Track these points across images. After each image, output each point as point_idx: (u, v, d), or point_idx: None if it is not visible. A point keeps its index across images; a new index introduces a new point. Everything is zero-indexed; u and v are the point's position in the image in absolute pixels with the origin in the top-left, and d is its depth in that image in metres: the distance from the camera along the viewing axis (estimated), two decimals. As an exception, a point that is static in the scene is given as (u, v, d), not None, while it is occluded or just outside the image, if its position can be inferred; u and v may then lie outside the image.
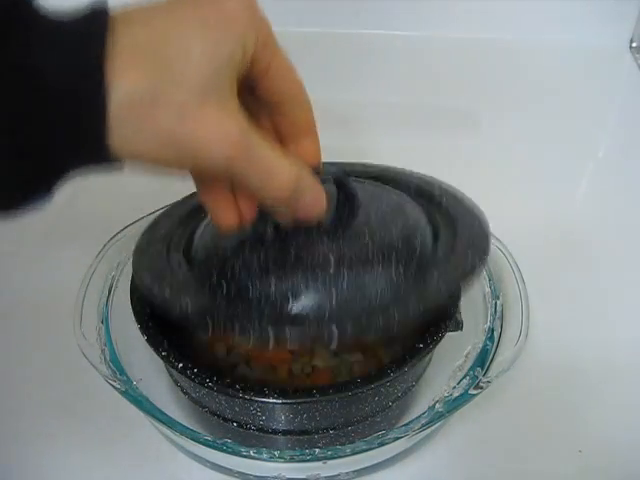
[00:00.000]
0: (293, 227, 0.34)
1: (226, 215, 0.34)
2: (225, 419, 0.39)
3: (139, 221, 0.49)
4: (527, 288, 0.44)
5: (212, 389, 0.36)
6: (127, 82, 0.24)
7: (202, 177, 0.33)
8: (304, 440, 0.39)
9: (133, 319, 0.39)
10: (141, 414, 0.39)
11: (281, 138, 0.34)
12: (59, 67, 0.24)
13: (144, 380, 0.41)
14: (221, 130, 0.26)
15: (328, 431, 0.39)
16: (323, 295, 0.32)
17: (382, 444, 0.37)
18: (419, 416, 0.38)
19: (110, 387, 0.39)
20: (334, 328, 0.31)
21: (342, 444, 0.37)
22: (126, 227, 0.49)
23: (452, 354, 0.42)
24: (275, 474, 0.40)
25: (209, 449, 0.37)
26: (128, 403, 0.39)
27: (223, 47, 0.27)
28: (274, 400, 0.35)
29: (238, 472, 0.42)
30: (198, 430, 0.38)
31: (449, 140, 0.72)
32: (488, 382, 0.39)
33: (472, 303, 0.44)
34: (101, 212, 0.62)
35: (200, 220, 0.41)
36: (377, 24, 0.91)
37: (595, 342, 0.51)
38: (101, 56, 0.24)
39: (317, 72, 0.86)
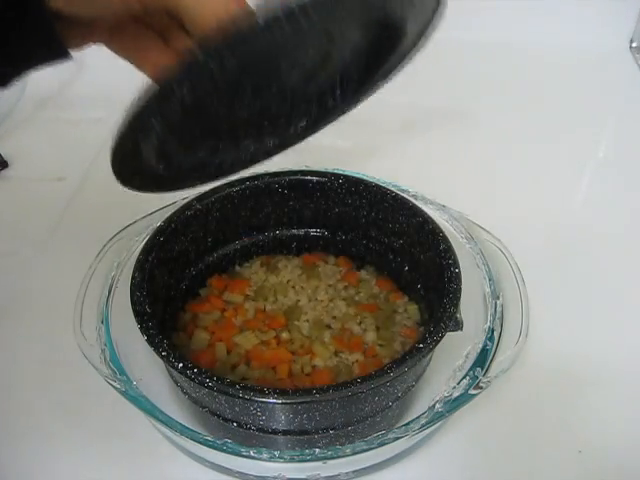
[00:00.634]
0: None
1: (157, 58, 0.34)
2: (225, 419, 0.39)
3: (139, 221, 0.49)
4: (527, 288, 0.44)
5: (212, 389, 0.36)
6: None
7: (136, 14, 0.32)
8: (304, 440, 0.39)
9: (133, 319, 0.39)
10: (141, 414, 0.39)
11: None
12: None
13: (144, 380, 0.40)
14: None
15: (328, 431, 0.39)
16: None
17: (382, 444, 0.37)
18: (419, 416, 0.38)
19: (110, 387, 0.39)
20: None
21: (342, 444, 0.37)
22: (126, 227, 0.49)
23: (452, 354, 0.42)
24: (275, 474, 0.40)
25: (209, 449, 0.37)
26: (128, 403, 0.39)
27: None
28: (274, 400, 0.35)
29: (238, 472, 0.42)
30: (198, 430, 0.38)
31: (449, 140, 0.73)
32: (488, 382, 0.39)
33: (472, 303, 0.44)
34: (101, 212, 0.62)
35: None
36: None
37: (595, 342, 0.51)
38: None
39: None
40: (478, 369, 0.40)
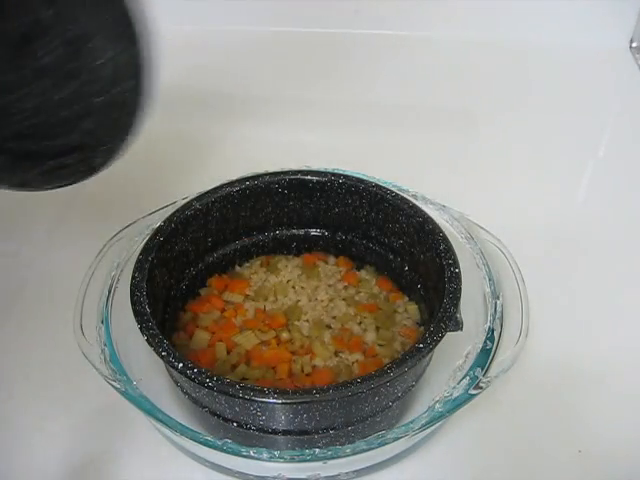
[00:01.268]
0: None
1: None
2: (225, 419, 0.39)
3: (139, 221, 0.49)
4: (527, 288, 0.44)
5: (212, 389, 0.36)
6: None
7: None
8: (304, 440, 0.39)
9: (133, 319, 0.39)
10: (141, 414, 0.39)
11: None
12: None
13: (144, 380, 0.40)
14: None
15: (328, 431, 0.39)
16: None
17: (382, 444, 0.37)
18: (419, 416, 0.38)
19: (110, 387, 0.39)
20: None
21: (342, 444, 0.37)
22: (126, 227, 0.49)
23: (452, 354, 0.42)
24: (275, 474, 0.40)
25: (209, 449, 0.37)
26: (128, 403, 0.39)
27: None
28: (274, 400, 0.35)
29: (238, 472, 0.42)
30: (198, 430, 0.38)
31: (449, 140, 0.73)
32: (488, 382, 0.39)
33: (472, 303, 0.44)
34: (101, 212, 0.62)
35: None
36: (377, 24, 0.91)
37: (595, 342, 0.51)
38: None
39: (316, 72, 0.87)
40: (478, 369, 0.40)
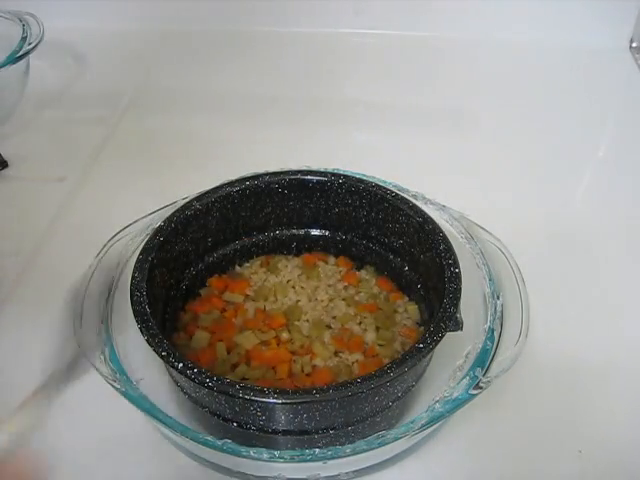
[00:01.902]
0: None
1: None
2: (225, 419, 0.39)
3: (139, 221, 0.49)
4: (527, 288, 0.44)
5: (212, 389, 0.36)
6: None
7: None
8: (304, 440, 0.39)
9: (133, 319, 0.39)
10: (141, 414, 0.39)
11: None
12: None
13: (144, 380, 0.40)
14: None
15: (328, 431, 0.39)
16: None
17: (382, 444, 0.37)
18: (419, 416, 0.38)
19: (110, 387, 0.39)
20: None
21: (342, 444, 0.37)
22: (126, 227, 0.49)
23: (452, 354, 0.41)
24: (275, 474, 0.40)
25: (209, 449, 0.37)
26: (128, 403, 0.39)
27: None
28: (274, 400, 0.35)
29: (238, 472, 0.42)
30: (198, 430, 0.38)
31: (449, 140, 0.73)
32: (488, 382, 0.39)
33: (472, 303, 0.44)
34: (101, 212, 0.62)
35: None
36: (376, 24, 0.91)
37: (595, 342, 0.51)
38: None
39: (316, 72, 0.87)
40: (478, 369, 0.40)
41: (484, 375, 0.39)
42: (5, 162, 0.69)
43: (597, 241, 0.60)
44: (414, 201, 0.47)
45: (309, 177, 0.49)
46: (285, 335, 0.46)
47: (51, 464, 0.43)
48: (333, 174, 0.49)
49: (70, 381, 0.47)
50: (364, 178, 0.49)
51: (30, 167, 0.69)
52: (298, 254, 0.53)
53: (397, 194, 0.47)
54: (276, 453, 0.37)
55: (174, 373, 0.40)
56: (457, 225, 0.49)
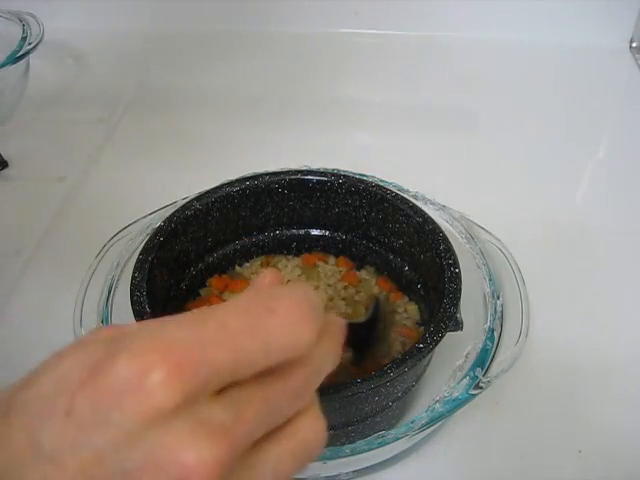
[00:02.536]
0: None
1: None
2: (225, 419, 0.39)
3: (139, 221, 0.49)
4: (527, 288, 0.44)
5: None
6: None
7: None
8: (304, 440, 0.39)
9: (133, 319, 0.39)
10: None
11: None
12: None
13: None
14: None
15: (328, 431, 0.38)
16: None
17: (382, 444, 0.37)
18: (419, 416, 0.38)
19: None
20: None
21: (342, 444, 0.37)
22: (126, 227, 0.49)
23: (452, 354, 0.41)
24: (275, 474, 0.40)
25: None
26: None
27: None
28: (274, 400, 0.35)
29: (238, 472, 0.42)
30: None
31: (449, 140, 0.73)
32: (488, 382, 0.39)
33: (472, 303, 0.44)
34: (101, 212, 0.62)
35: None
36: (376, 24, 0.91)
37: (595, 342, 0.51)
38: None
39: (317, 72, 0.87)
40: (478, 369, 0.40)
41: (484, 375, 0.39)
42: (5, 162, 0.69)
43: (597, 241, 0.59)
44: (414, 201, 0.47)
45: (309, 177, 0.49)
46: (285, 335, 0.46)
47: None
48: (333, 174, 0.49)
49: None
50: (364, 178, 0.49)
51: (30, 167, 0.69)
52: (298, 254, 0.53)
53: (397, 194, 0.47)
54: (276, 453, 0.37)
55: (174, 373, 0.40)
56: (457, 225, 0.49)
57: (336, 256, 0.52)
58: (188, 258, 0.48)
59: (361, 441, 0.37)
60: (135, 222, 0.49)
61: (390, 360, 0.37)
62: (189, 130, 0.75)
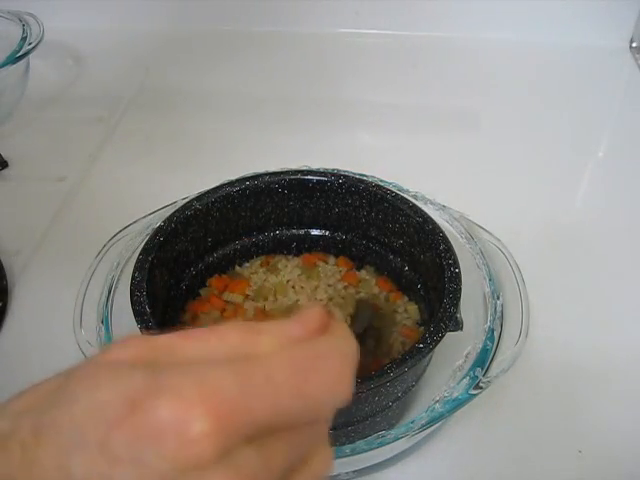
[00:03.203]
0: None
1: None
2: (225, 419, 0.39)
3: (139, 221, 0.49)
4: (527, 288, 0.44)
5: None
6: None
7: None
8: (304, 440, 0.39)
9: (133, 319, 0.39)
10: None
11: None
12: None
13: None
14: None
15: (328, 431, 0.38)
16: None
17: (382, 444, 0.37)
18: (419, 416, 0.38)
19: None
20: None
21: (342, 444, 0.37)
22: (126, 227, 0.49)
23: (452, 354, 0.41)
24: (275, 474, 0.40)
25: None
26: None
27: None
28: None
29: (238, 472, 0.42)
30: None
31: (449, 140, 0.73)
32: (488, 382, 0.39)
33: (472, 303, 0.44)
34: (101, 212, 0.62)
35: None
36: (377, 24, 0.91)
37: (595, 342, 0.51)
38: None
39: (317, 72, 0.87)
40: (478, 369, 0.40)
41: (484, 375, 0.39)
42: (5, 162, 0.69)
43: (597, 241, 0.59)
44: (414, 201, 0.47)
45: (309, 177, 0.49)
46: (285, 335, 0.46)
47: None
48: (333, 174, 0.49)
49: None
50: (364, 178, 0.49)
51: (30, 167, 0.69)
52: (298, 254, 0.53)
53: (397, 194, 0.47)
54: (276, 453, 0.37)
55: (174, 373, 0.40)
56: (457, 225, 0.49)
57: (336, 256, 0.52)
58: (188, 258, 0.48)
59: (361, 441, 0.37)
60: (135, 222, 0.49)
61: (390, 360, 0.37)
62: (189, 130, 0.75)
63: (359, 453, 0.37)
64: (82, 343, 0.41)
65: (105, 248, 0.47)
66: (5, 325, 0.52)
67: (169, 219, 0.45)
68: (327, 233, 0.52)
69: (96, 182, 0.67)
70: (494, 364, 0.40)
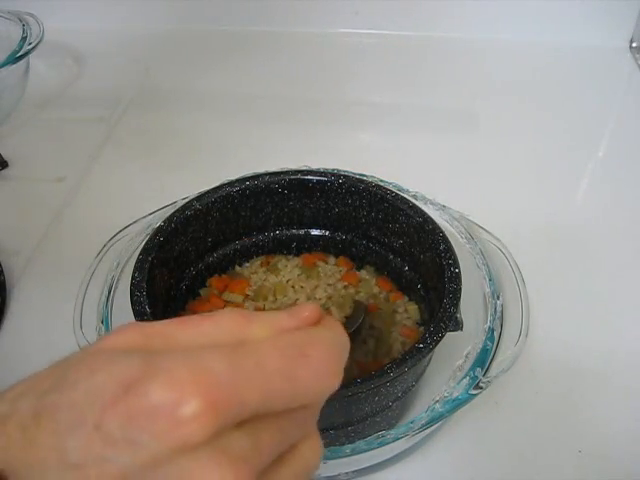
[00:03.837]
0: None
1: None
2: (225, 419, 0.39)
3: (139, 221, 0.49)
4: (527, 288, 0.44)
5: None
6: None
7: None
8: (304, 440, 0.39)
9: (133, 319, 0.39)
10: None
11: None
12: None
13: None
14: None
15: (328, 431, 0.38)
16: None
17: (382, 444, 0.37)
18: (419, 416, 0.38)
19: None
20: None
21: (342, 444, 0.37)
22: (126, 227, 0.49)
23: (452, 354, 0.41)
24: (275, 474, 0.40)
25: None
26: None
27: None
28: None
29: (238, 472, 0.42)
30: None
31: (449, 140, 0.73)
32: (488, 382, 0.39)
33: (472, 303, 0.44)
34: (101, 212, 0.62)
35: None
36: (376, 24, 0.91)
37: (595, 342, 0.51)
38: None
39: (316, 72, 0.87)
40: (478, 369, 0.40)
41: (484, 375, 0.39)
42: (5, 162, 0.69)
43: (597, 241, 0.60)
44: (414, 201, 0.47)
45: (309, 177, 0.49)
46: (285, 335, 0.46)
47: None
48: (333, 174, 0.49)
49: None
50: (364, 178, 0.49)
51: (30, 167, 0.69)
52: (298, 254, 0.53)
53: (397, 194, 0.47)
54: (276, 453, 0.37)
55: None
56: (457, 225, 0.49)
57: (336, 256, 0.52)
58: (188, 258, 0.48)
59: (361, 441, 0.37)
60: (135, 222, 0.49)
61: (390, 360, 0.37)
62: (189, 130, 0.75)
63: (359, 453, 0.37)
64: (82, 343, 0.41)
65: (105, 248, 0.47)
66: (5, 325, 0.52)
67: (169, 219, 0.45)
68: (327, 233, 0.52)
69: (96, 182, 0.67)
70: (494, 364, 0.40)
